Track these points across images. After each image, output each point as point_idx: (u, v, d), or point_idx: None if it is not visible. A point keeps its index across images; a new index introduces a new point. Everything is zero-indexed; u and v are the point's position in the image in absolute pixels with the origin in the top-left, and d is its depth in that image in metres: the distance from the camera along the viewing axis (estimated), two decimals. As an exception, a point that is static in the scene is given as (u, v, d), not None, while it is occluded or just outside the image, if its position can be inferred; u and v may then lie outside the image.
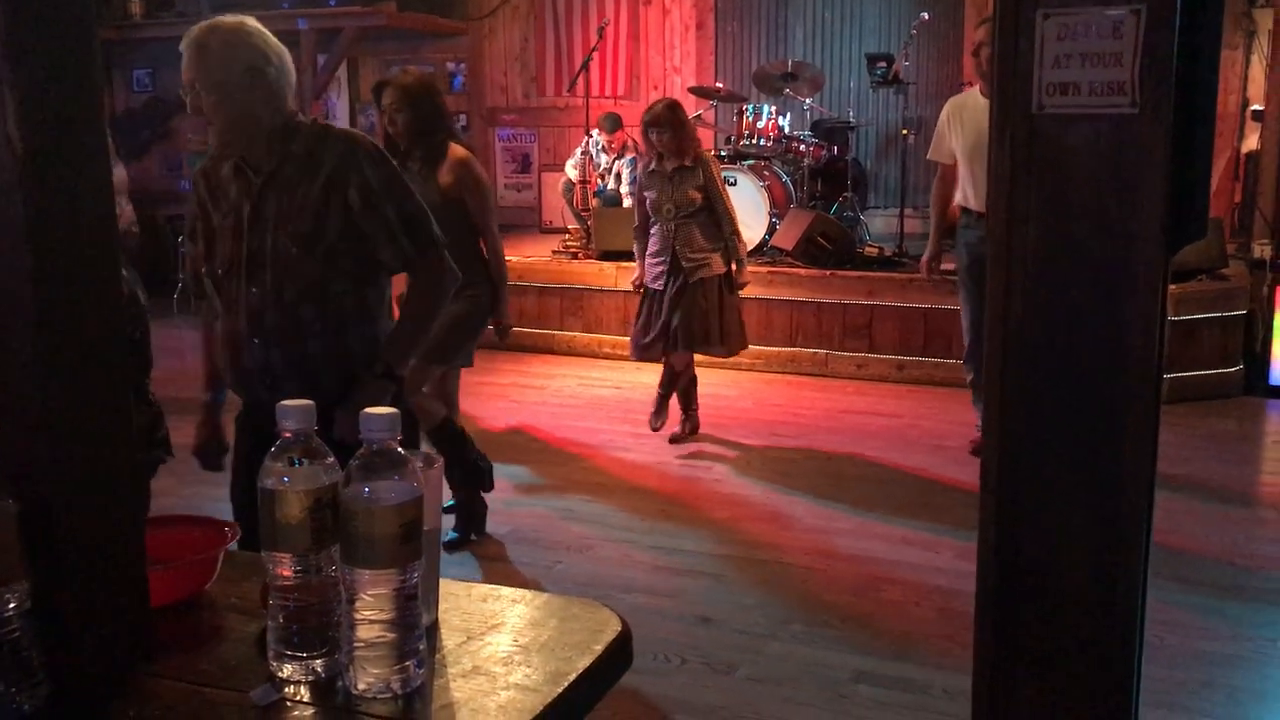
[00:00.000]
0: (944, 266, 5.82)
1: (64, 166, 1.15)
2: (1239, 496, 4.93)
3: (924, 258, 5.75)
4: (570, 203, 8.58)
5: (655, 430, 5.73)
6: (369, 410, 1.12)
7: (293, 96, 2.63)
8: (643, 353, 5.64)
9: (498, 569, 4.19)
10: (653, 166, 5.47)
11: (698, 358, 5.68)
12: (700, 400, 5.83)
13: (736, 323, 5.60)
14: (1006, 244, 1.78)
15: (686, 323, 5.41)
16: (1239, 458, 5.44)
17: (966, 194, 5.23)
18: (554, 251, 8.10)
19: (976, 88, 5.30)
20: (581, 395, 6.73)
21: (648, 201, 5.47)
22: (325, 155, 2.54)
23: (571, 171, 8.52)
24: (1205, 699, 3.20)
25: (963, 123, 5.21)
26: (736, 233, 5.48)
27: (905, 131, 7.77)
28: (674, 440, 5.65)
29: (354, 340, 2.59)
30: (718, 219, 5.42)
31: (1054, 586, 1.84)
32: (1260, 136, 7.33)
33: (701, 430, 5.77)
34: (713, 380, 6.55)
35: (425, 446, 4.02)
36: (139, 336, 2.82)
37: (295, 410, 1.15)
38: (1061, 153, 1.74)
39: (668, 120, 5.32)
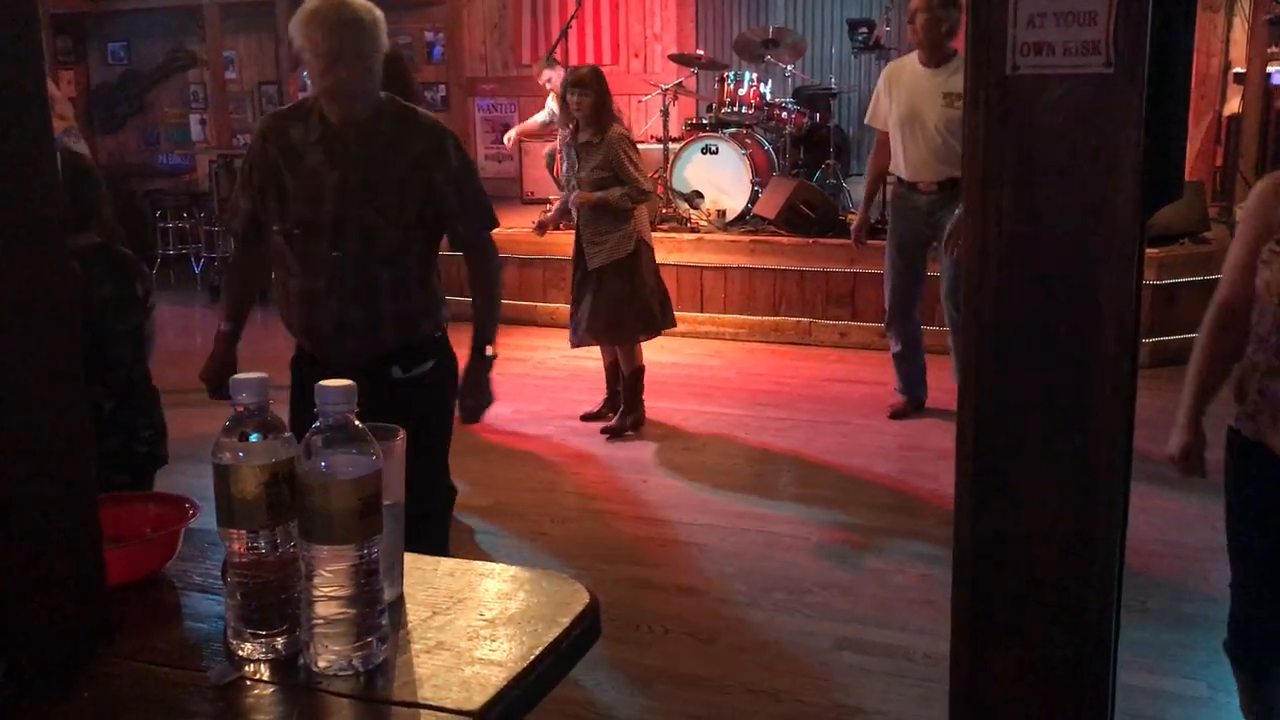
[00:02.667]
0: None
1: (5, 147, 1.12)
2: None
3: (854, 225, 5.73)
4: (551, 171, 8.50)
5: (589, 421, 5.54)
6: (323, 383, 1.09)
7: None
8: (572, 339, 5.45)
9: (481, 541, 4.18)
10: (569, 136, 5.24)
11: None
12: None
13: (636, 309, 5.21)
14: (981, 206, 1.76)
15: (591, 314, 5.21)
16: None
17: (898, 162, 5.20)
18: (535, 222, 8.04)
19: (915, 54, 5.17)
20: (564, 367, 6.70)
21: (563, 171, 5.33)
22: (414, 138, 2.79)
23: (540, 116, 8.39)
24: (1187, 661, 3.21)
25: (896, 91, 5.13)
26: (639, 193, 5.06)
27: (887, 98, 7.71)
28: (607, 433, 5.35)
29: (416, 300, 2.88)
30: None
31: (1030, 551, 1.83)
32: (1242, 99, 7.31)
33: (684, 400, 5.75)
34: (695, 350, 6.54)
35: None
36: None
37: (249, 383, 1.12)
38: (1036, 114, 1.71)
39: (591, 83, 4.99)
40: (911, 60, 5.16)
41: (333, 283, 2.78)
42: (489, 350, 2.99)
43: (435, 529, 3.13)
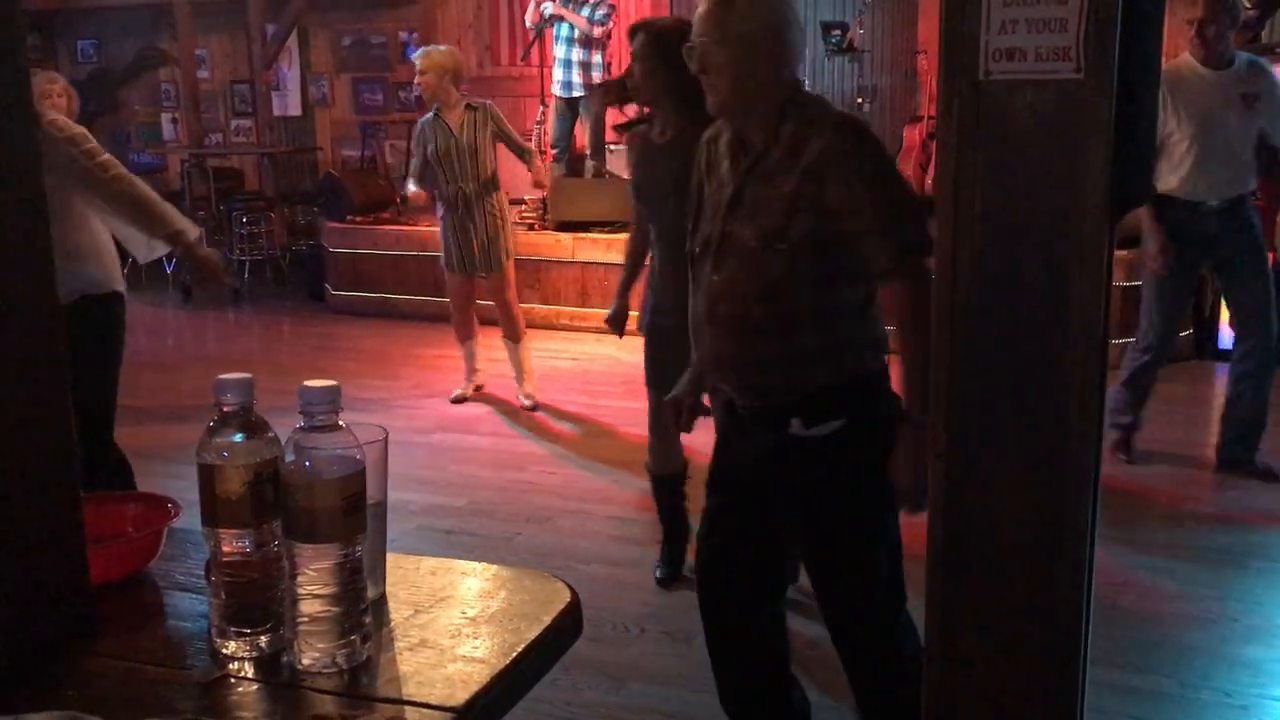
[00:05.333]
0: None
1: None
2: (1189, 459, 5.00)
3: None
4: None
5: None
6: (306, 384, 1.10)
7: (801, 67, 2.43)
8: None
9: (457, 541, 4.18)
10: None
11: None
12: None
13: None
14: (953, 210, 1.78)
15: None
16: (1189, 420, 5.52)
17: (1194, 182, 4.43)
18: (510, 222, 8.04)
19: (1186, 55, 4.49)
20: (539, 368, 6.70)
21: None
22: (810, 142, 2.26)
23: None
24: (1157, 658, 3.26)
25: (1186, 98, 4.40)
26: None
27: (860, 100, 7.77)
28: None
29: (809, 343, 2.34)
30: None
31: (1001, 549, 1.86)
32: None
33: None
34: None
35: None
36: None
37: (233, 383, 1.13)
38: (1007, 118, 1.74)
39: None
40: (1189, 63, 4.48)
41: (710, 309, 2.45)
42: (914, 417, 2.29)
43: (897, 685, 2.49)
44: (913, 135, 8.28)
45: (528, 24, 8.18)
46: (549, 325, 7.63)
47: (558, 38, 8.05)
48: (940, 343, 1.85)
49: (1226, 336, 6.45)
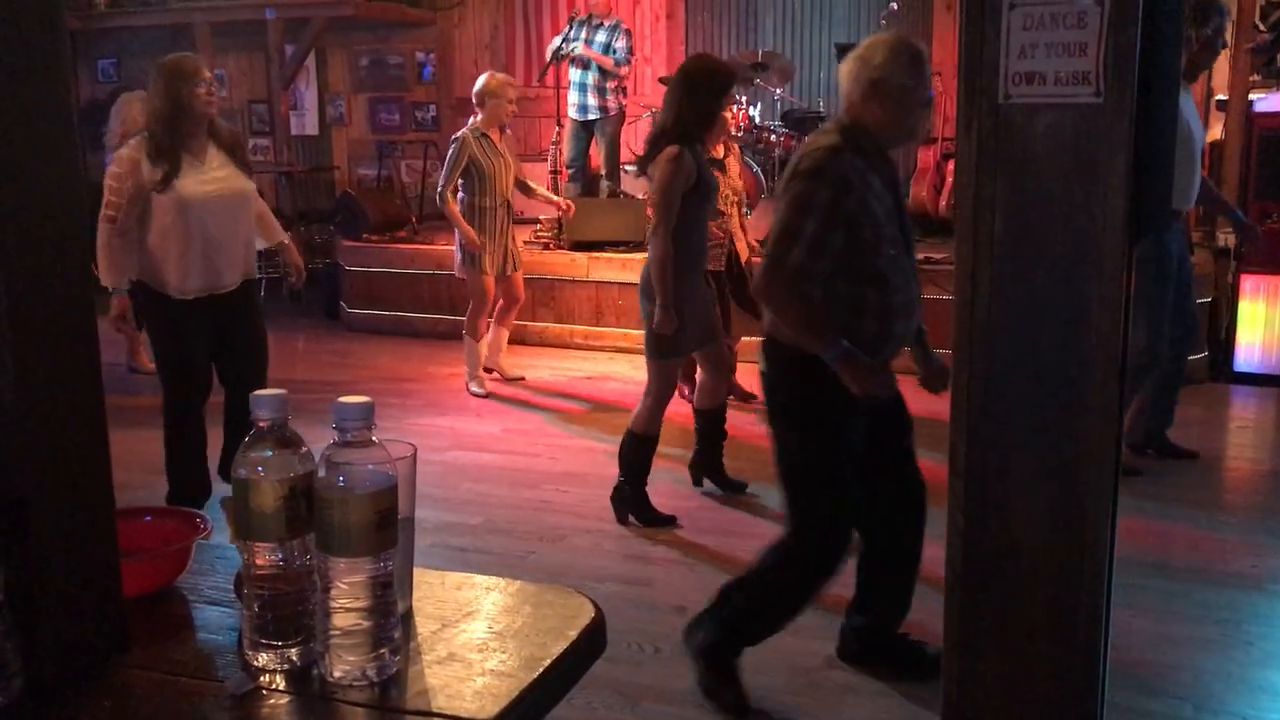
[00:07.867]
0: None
1: (30, 159, 1.15)
2: (1205, 482, 4.99)
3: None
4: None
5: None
6: (341, 400, 1.12)
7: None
8: None
9: (471, 559, 4.19)
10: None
11: None
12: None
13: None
14: (973, 231, 1.80)
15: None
16: (1205, 443, 5.50)
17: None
18: (525, 242, 8.06)
19: None
20: (555, 385, 6.73)
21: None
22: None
23: None
24: (1172, 680, 3.25)
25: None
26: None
27: (874, 121, 7.77)
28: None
29: None
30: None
31: (1020, 569, 1.87)
32: (1224, 126, 7.40)
33: (673, 419, 5.76)
34: (685, 370, 6.52)
35: None
36: None
37: (268, 400, 1.15)
38: (1027, 142, 1.76)
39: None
40: None
41: (916, 285, 3.07)
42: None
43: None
44: (927, 157, 8.30)
45: (548, 55, 8.33)
46: (563, 344, 7.65)
47: (573, 62, 8.15)
48: (959, 364, 1.86)
49: (1243, 359, 6.45)
